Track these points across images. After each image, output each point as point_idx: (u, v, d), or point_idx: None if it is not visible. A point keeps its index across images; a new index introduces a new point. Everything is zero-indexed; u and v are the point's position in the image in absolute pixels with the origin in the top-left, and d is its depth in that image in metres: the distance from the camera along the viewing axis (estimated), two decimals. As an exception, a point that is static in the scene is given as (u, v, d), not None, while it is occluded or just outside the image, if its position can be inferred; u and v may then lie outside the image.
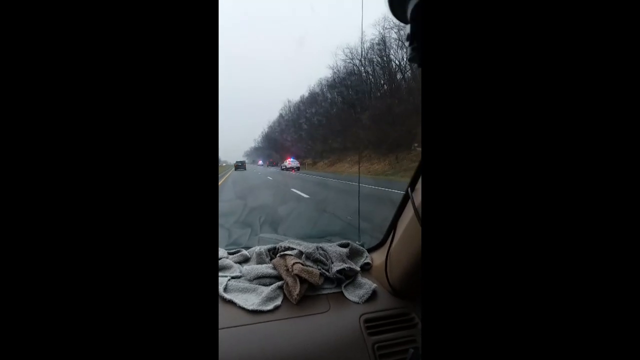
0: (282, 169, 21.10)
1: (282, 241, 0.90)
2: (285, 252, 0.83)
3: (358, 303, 0.74)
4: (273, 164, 29.88)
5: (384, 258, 0.80)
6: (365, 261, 0.89)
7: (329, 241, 0.94)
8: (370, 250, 0.94)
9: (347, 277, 0.80)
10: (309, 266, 0.78)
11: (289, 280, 0.74)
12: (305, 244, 0.86)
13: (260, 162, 39.17)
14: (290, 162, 21.78)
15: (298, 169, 20.50)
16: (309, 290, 0.75)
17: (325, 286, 0.78)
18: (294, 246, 0.85)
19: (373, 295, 0.76)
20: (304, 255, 0.81)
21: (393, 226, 0.79)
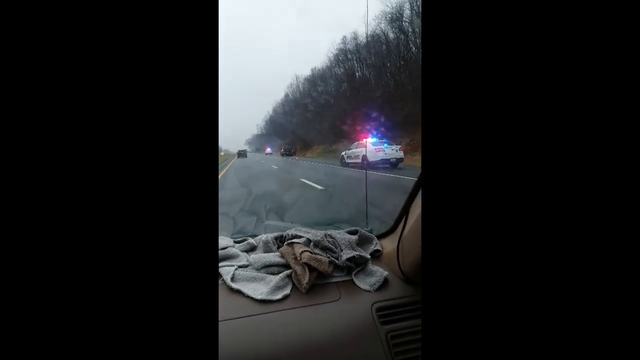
0: (349, 164, 8.65)
1: (289, 229, 0.87)
2: (293, 240, 0.80)
3: (369, 291, 0.72)
4: (292, 152, 21.18)
5: (394, 245, 0.77)
6: (375, 248, 0.86)
7: (337, 228, 0.92)
8: (379, 237, 0.92)
9: (357, 265, 0.77)
10: (318, 254, 0.76)
11: (298, 268, 0.72)
12: (313, 231, 0.83)
13: (269, 149, 30.18)
14: (375, 146, 7.73)
15: (397, 163, 7.60)
16: (318, 279, 0.73)
17: (335, 274, 0.76)
18: (301, 234, 0.82)
19: (385, 283, 0.74)
20: (312, 243, 0.79)
21: (405, 212, 0.76)
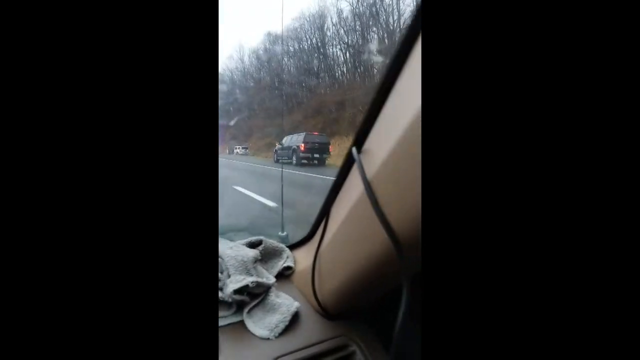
0: None
1: None
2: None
3: (268, 338, 0.46)
4: (329, 150, 9.25)
5: (311, 259, 0.53)
6: (286, 264, 0.61)
7: (232, 238, 0.64)
8: (293, 247, 0.67)
9: (252, 297, 0.51)
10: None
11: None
12: None
13: (240, 148, 17.56)
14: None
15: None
16: (186, 327, 0.45)
17: (219, 314, 0.49)
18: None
19: (293, 322, 0.49)
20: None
21: (325, 212, 0.52)
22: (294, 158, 8.81)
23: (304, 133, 9.18)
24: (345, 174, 0.47)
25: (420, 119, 0.29)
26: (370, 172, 0.36)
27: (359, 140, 0.41)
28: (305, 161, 8.49)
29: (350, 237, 0.44)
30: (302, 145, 8.56)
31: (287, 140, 9.55)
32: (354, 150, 0.40)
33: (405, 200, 0.32)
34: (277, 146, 10.06)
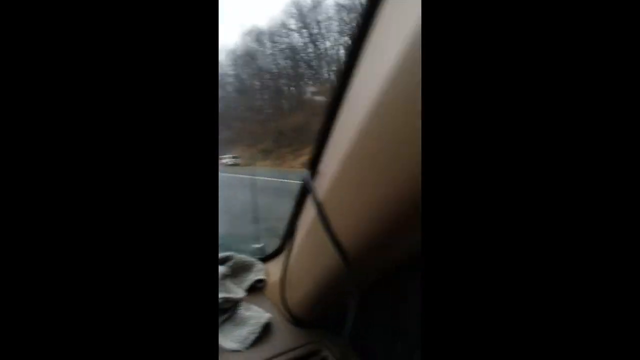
0: None
1: None
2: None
3: (239, 350, 0.47)
4: None
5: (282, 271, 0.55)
6: (258, 277, 0.62)
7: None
8: (266, 259, 0.68)
9: (221, 313, 0.52)
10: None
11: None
12: None
13: (228, 157, 12.64)
14: None
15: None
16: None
17: None
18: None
19: (265, 333, 0.50)
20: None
21: (293, 226, 0.54)
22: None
23: None
24: (304, 193, 0.49)
25: (360, 137, 0.31)
26: (322, 192, 0.39)
27: (313, 163, 0.43)
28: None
29: (311, 250, 0.46)
30: None
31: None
32: (305, 173, 0.43)
33: (353, 217, 0.34)
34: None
